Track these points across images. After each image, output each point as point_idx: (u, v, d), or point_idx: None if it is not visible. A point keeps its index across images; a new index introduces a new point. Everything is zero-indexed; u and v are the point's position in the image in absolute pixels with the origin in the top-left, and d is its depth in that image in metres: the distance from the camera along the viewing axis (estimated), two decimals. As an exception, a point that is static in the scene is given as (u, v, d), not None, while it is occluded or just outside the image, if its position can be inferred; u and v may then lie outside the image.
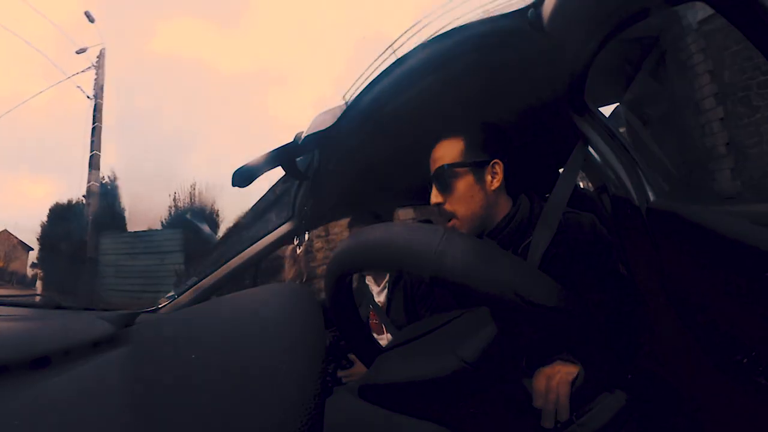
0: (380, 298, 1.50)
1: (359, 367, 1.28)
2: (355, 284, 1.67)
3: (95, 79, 8.47)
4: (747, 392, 0.74)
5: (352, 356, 1.28)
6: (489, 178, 0.88)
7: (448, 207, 0.86)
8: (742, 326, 0.76)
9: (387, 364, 0.44)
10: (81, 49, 8.48)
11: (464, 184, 0.86)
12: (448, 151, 0.88)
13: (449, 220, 0.86)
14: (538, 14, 0.79)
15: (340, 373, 1.28)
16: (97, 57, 8.56)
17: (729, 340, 0.81)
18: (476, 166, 0.87)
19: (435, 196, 0.87)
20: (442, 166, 0.87)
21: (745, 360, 0.75)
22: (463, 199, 0.86)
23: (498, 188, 0.89)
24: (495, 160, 0.89)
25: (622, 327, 0.79)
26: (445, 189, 0.86)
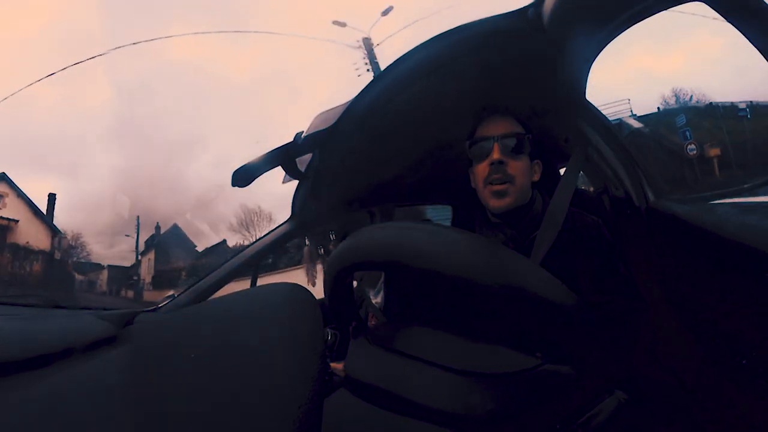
0: (377, 299, 1.50)
1: None
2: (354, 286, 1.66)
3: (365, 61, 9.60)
4: (747, 392, 0.74)
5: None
6: (532, 172, 0.97)
7: (510, 170, 0.91)
8: (742, 326, 0.76)
9: (380, 365, 0.43)
10: (386, 10, 9.19)
11: (526, 160, 0.94)
12: (517, 128, 0.94)
13: (503, 183, 0.90)
14: (538, 14, 0.79)
15: (333, 365, 1.30)
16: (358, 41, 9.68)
17: (729, 341, 0.81)
18: (532, 156, 0.96)
19: (498, 153, 0.90)
20: (521, 132, 0.92)
21: (745, 360, 0.75)
22: (524, 171, 0.93)
23: (534, 183, 0.97)
24: (538, 160, 0.98)
25: (623, 328, 0.79)
26: (514, 152, 0.91)
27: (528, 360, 0.41)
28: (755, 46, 0.60)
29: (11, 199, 13.53)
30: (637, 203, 1.08)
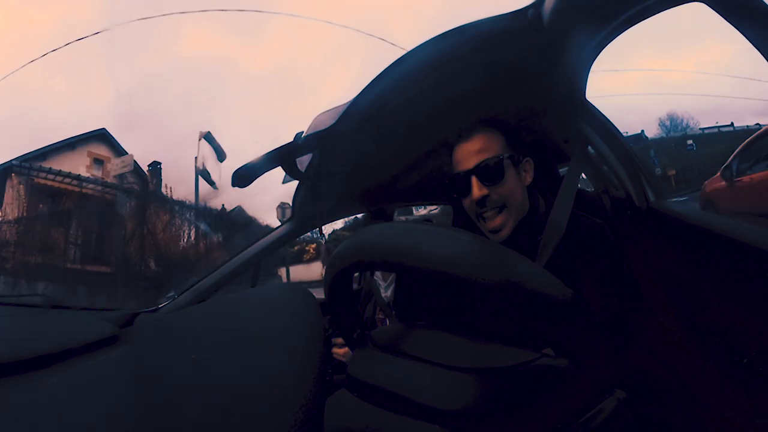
0: (387, 293, 1.50)
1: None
2: (358, 284, 1.66)
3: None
4: (747, 392, 0.74)
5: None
6: (524, 173, 0.91)
7: (495, 197, 0.86)
8: (742, 326, 0.76)
9: (388, 369, 0.43)
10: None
11: (512, 174, 0.88)
12: (490, 145, 0.88)
13: (499, 211, 0.86)
14: (538, 14, 0.79)
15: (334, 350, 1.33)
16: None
17: (729, 341, 0.81)
18: (517, 160, 0.90)
19: (479, 189, 0.86)
20: (494, 156, 0.87)
21: (745, 360, 0.75)
22: (514, 188, 0.87)
23: (528, 185, 0.91)
24: (527, 158, 0.92)
25: (624, 328, 0.79)
26: (494, 179, 0.86)
27: (525, 354, 0.41)
28: (755, 47, 0.60)
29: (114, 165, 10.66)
30: (638, 204, 1.08)
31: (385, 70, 0.92)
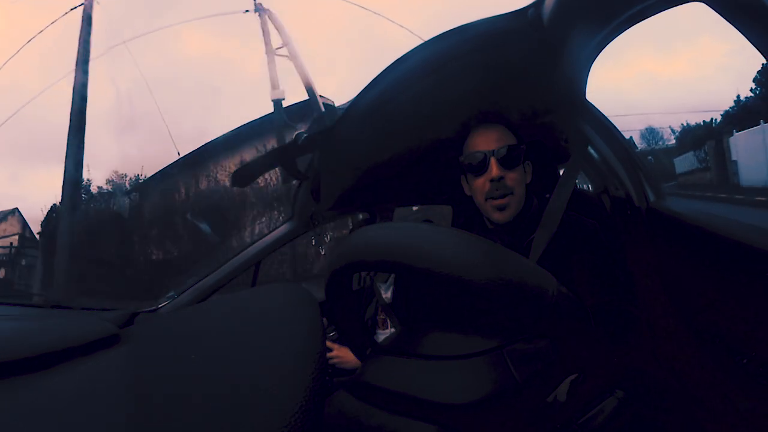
0: (387, 294, 1.51)
1: (343, 352, 1.38)
2: (358, 284, 1.67)
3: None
4: (747, 392, 0.74)
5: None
6: (526, 174, 0.99)
7: (509, 182, 0.93)
8: (742, 326, 0.76)
9: (386, 369, 0.44)
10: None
11: (521, 168, 0.96)
12: (509, 137, 0.96)
13: (503, 196, 0.93)
14: (538, 14, 0.79)
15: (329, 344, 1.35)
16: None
17: (729, 341, 0.81)
18: (524, 160, 0.98)
19: (497, 170, 0.92)
20: (515, 144, 0.94)
21: (745, 360, 0.75)
22: (521, 180, 0.95)
23: (527, 185, 0.99)
24: (528, 161, 1.00)
25: (622, 328, 0.80)
26: (511, 165, 0.94)
27: (500, 339, 0.42)
28: (756, 47, 0.60)
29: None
30: (638, 204, 1.08)
31: (385, 70, 0.93)
